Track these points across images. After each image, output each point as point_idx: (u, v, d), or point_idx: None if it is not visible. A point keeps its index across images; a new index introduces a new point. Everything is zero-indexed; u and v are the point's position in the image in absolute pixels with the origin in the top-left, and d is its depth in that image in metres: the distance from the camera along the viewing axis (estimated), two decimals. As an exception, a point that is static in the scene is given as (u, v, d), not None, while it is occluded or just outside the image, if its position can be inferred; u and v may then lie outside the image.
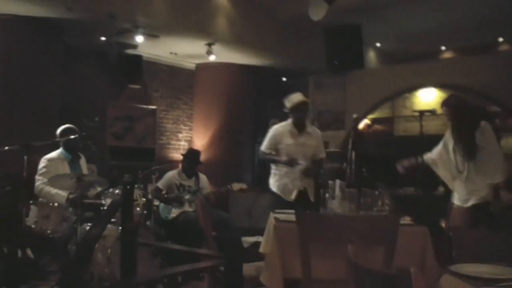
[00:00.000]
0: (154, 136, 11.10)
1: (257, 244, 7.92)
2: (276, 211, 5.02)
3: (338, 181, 4.72)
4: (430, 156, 5.84)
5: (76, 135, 6.51)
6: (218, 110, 11.56)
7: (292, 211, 5.07)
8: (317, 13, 8.22)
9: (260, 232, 8.36)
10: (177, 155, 11.56)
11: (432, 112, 6.01)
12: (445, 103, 5.76)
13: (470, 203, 5.47)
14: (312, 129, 6.58)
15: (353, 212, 4.50)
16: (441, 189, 7.12)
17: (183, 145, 11.82)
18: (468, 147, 5.47)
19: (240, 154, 11.76)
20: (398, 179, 8.21)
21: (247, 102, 12.04)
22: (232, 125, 11.58)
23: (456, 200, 5.68)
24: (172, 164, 10.55)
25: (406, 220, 4.16)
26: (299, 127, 6.34)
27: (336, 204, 4.52)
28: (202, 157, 10.19)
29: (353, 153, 6.37)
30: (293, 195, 6.32)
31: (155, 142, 11.13)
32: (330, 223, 3.30)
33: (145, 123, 10.95)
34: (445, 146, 5.75)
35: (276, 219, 4.28)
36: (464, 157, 5.50)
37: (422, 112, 5.94)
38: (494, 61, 8.62)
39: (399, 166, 5.89)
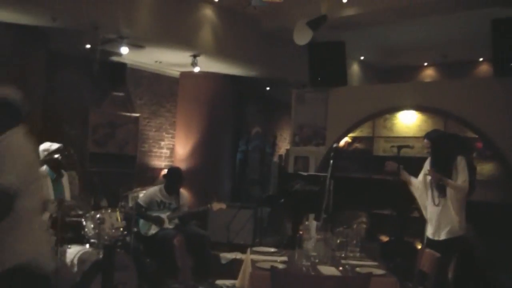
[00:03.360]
0: (136, 143, 11.13)
1: (234, 261, 8.10)
2: (254, 249, 5.14)
3: (314, 222, 4.84)
4: (416, 180, 5.99)
5: (60, 155, 6.48)
6: (201, 119, 11.62)
7: (269, 248, 5.22)
8: (302, 38, 8.29)
9: (239, 248, 8.54)
10: (159, 163, 11.63)
11: (409, 147, 6.15)
12: (426, 136, 5.92)
13: (442, 237, 5.63)
14: None
15: (327, 254, 4.63)
16: (416, 214, 7.24)
17: (165, 153, 11.87)
18: (439, 183, 5.63)
19: (221, 163, 11.84)
20: (376, 200, 8.40)
21: (229, 111, 12.13)
22: (214, 133, 11.65)
23: (429, 232, 5.83)
24: (153, 180, 10.63)
25: (377, 270, 4.26)
26: None
27: (312, 245, 4.64)
28: (183, 165, 10.29)
29: (332, 183, 6.52)
30: None
31: (137, 149, 11.15)
32: (303, 283, 3.41)
33: (127, 130, 10.97)
34: (424, 177, 5.90)
35: (252, 263, 4.38)
36: (439, 192, 5.66)
37: (400, 147, 6.09)
38: (474, 87, 8.75)
39: (389, 164, 6.00)
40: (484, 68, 12.88)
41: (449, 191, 5.56)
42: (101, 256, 5.53)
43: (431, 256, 4.42)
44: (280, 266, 4.24)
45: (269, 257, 4.69)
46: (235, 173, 12.69)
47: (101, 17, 8.24)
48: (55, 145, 6.57)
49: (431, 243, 5.65)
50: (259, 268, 4.18)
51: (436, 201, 5.69)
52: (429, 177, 5.79)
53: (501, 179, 8.18)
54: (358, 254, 4.98)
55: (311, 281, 3.47)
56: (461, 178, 5.51)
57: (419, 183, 5.96)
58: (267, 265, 4.07)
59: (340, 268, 4.40)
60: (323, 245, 4.67)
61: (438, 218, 5.68)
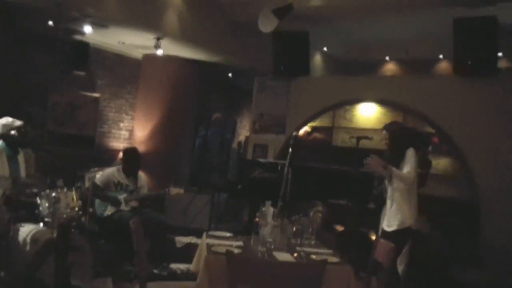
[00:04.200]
0: (95, 124, 11.01)
1: (190, 245, 8.11)
2: (210, 233, 5.15)
3: (271, 209, 4.88)
4: None
5: (17, 132, 6.39)
6: (161, 102, 11.54)
7: (225, 233, 5.24)
8: (267, 26, 8.32)
9: (194, 232, 8.55)
10: (117, 144, 11.54)
11: (368, 138, 6.21)
12: (385, 127, 5.99)
13: (392, 228, 5.73)
14: None
15: (283, 241, 4.67)
16: (372, 205, 7.35)
17: (124, 135, 11.77)
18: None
19: (180, 147, 11.79)
20: (332, 190, 8.48)
21: (190, 95, 12.06)
22: (174, 117, 11.59)
23: (383, 223, 5.94)
24: (111, 162, 10.54)
25: (332, 258, 4.32)
26: None
27: (268, 231, 4.68)
28: (142, 148, 10.22)
29: (290, 171, 6.56)
30: None
31: (96, 130, 11.03)
32: (258, 268, 3.44)
33: (87, 110, 10.83)
34: None
35: (207, 246, 4.40)
36: (389, 183, 5.76)
37: (359, 138, 6.15)
38: (433, 83, 8.89)
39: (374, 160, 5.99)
40: (444, 65, 13.12)
41: (395, 181, 5.63)
42: (55, 235, 5.48)
43: (386, 246, 4.49)
44: (236, 250, 4.26)
45: (225, 242, 4.71)
46: (194, 158, 12.67)
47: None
48: (17, 122, 6.48)
49: (384, 233, 5.76)
50: (214, 252, 4.19)
51: (388, 192, 5.80)
52: None
53: (457, 174, 8.35)
54: (313, 242, 5.04)
55: (266, 266, 3.50)
56: (406, 168, 5.57)
57: None
58: (222, 249, 4.09)
59: (295, 254, 4.44)
60: (279, 231, 4.70)
61: (389, 208, 5.79)
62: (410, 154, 5.65)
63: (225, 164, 13.14)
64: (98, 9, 8.53)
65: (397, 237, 5.58)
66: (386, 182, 5.97)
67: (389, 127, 5.99)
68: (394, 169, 5.54)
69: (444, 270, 7.65)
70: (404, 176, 5.54)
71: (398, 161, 5.68)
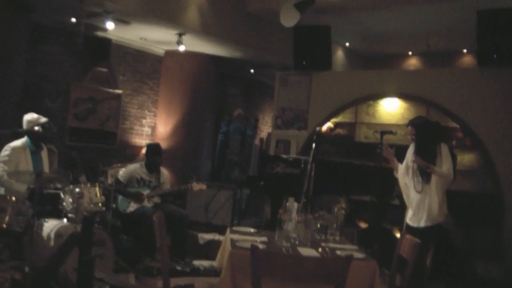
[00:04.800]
0: (117, 120, 11.02)
1: (212, 242, 8.10)
2: (234, 228, 5.13)
3: (295, 204, 4.84)
4: (401, 166, 6.01)
5: (41, 128, 6.40)
6: (183, 98, 11.58)
7: (249, 228, 5.22)
8: (289, 20, 8.25)
9: (217, 229, 8.55)
10: (139, 141, 11.56)
11: (393, 133, 6.14)
12: (411, 123, 5.93)
13: (422, 224, 5.67)
14: None
15: (307, 236, 4.63)
16: (396, 202, 7.29)
17: (146, 131, 11.79)
18: (424, 170, 5.67)
19: (202, 143, 11.81)
20: (355, 185, 8.42)
21: (212, 91, 12.07)
22: (196, 113, 11.62)
23: (409, 219, 5.87)
24: (133, 158, 10.57)
25: (357, 254, 4.27)
26: None
27: (292, 226, 4.64)
28: (164, 144, 10.23)
29: (313, 167, 6.51)
30: None
31: (118, 126, 11.05)
32: (283, 261, 3.40)
33: (108, 106, 10.86)
34: (407, 163, 5.93)
35: (232, 242, 4.37)
36: (422, 179, 5.70)
37: (383, 133, 6.08)
38: (457, 76, 8.75)
39: (386, 149, 5.99)
40: (467, 59, 12.96)
41: (434, 178, 5.61)
42: (78, 229, 5.50)
43: (411, 242, 4.42)
44: (260, 246, 4.24)
45: (249, 237, 4.68)
46: (215, 154, 12.66)
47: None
48: (42, 119, 6.50)
49: (410, 229, 5.69)
50: (239, 247, 4.17)
51: (418, 187, 5.74)
52: (412, 164, 5.82)
53: (480, 169, 8.25)
54: (338, 238, 4.99)
55: (291, 261, 3.45)
56: (446, 165, 5.56)
57: (402, 170, 5.98)
58: (247, 244, 4.06)
59: (320, 250, 4.40)
60: (303, 227, 4.66)
61: (418, 204, 5.73)
62: (446, 150, 5.65)
63: (247, 160, 13.13)
64: (120, 5, 8.53)
65: (428, 233, 5.54)
66: (400, 176, 5.94)
67: (415, 122, 5.94)
68: (436, 168, 5.54)
69: (467, 265, 7.58)
70: (446, 173, 5.57)
71: (428, 156, 5.64)
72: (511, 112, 7.95)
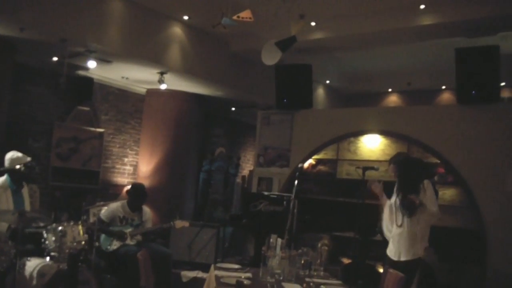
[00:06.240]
0: (99, 159, 11.01)
1: (196, 280, 8.05)
2: (218, 265, 5.13)
3: (279, 240, 4.86)
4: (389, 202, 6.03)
5: (23, 166, 6.37)
6: (165, 137, 11.60)
7: (233, 265, 5.22)
8: (271, 59, 8.37)
9: (200, 267, 8.50)
10: (121, 179, 11.53)
11: (374, 169, 6.18)
12: (392, 161, 5.99)
13: (402, 258, 5.69)
14: None
15: (292, 272, 4.64)
16: (379, 237, 7.30)
17: (128, 170, 11.77)
18: (409, 204, 5.70)
19: (185, 182, 11.81)
20: (338, 222, 8.44)
21: (194, 130, 12.11)
22: (178, 152, 11.64)
23: (390, 252, 5.89)
24: (115, 197, 10.54)
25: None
26: None
27: (276, 262, 4.65)
28: (146, 183, 10.20)
29: (296, 204, 6.53)
30: None
31: (100, 165, 11.04)
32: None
33: (91, 145, 10.86)
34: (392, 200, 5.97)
35: (216, 278, 4.37)
36: (405, 214, 5.72)
37: (365, 169, 6.12)
38: (437, 113, 8.88)
39: (373, 185, 6.01)
40: (446, 96, 13.18)
41: (422, 216, 5.62)
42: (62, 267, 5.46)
43: (395, 276, 4.45)
44: (245, 282, 4.23)
45: (234, 273, 4.68)
46: (198, 192, 12.64)
47: (69, 30, 8.20)
48: (26, 158, 6.45)
49: (392, 263, 5.70)
50: (223, 284, 4.17)
51: (399, 222, 5.76)
52: (395, 199, 5.84)
53: (463, 204, 8.30)
54: (322, 273, 5.00)
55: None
56: (431, 202, 5.59)
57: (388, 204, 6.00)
58: (232, 281, 4.07)
59: (305, 285, 4.41)
60: (288, 263, 4.68)
61: (399, 239, 5.74)
62: (430, 187, 5.68)
63: (229, 198, 13.10)
64: (102, 44, 8.62)
65: (409, 267, 5.54)
66: (386, 211, 5.96)
67: (396, 160, 6.00)
68: (429, 207, 5.57)
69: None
70: (435, 212, 5.59)
71: (411, 193, 5.67)
72: (491, 148, 8.05)
